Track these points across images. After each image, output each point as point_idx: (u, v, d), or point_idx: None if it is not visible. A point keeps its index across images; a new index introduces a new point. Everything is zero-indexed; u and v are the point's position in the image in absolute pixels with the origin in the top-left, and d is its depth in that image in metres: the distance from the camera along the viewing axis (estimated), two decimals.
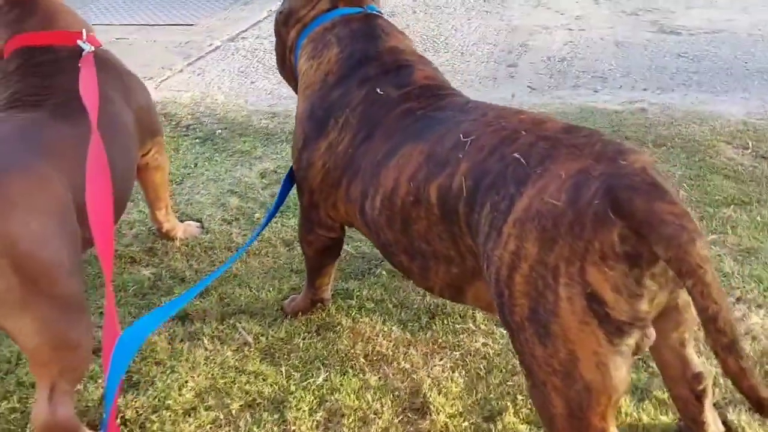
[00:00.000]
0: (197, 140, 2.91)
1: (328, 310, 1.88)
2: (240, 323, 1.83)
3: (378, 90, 1.55)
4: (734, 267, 1.97)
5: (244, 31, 4.39)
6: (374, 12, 1.79)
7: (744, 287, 1.89)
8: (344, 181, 1.55)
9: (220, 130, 2.99)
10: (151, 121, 2.04)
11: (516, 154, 1.20)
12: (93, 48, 1.84)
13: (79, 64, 1.75)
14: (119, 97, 1.87)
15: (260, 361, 1.72)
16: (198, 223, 2.33)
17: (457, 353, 1.73)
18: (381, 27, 1.73)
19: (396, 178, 1.40)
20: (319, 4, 1.80)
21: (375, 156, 1.48)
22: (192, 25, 4.65)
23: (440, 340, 1.77)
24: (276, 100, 3.34)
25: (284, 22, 1.85)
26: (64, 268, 1.39)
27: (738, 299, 1.85)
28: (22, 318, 1.35)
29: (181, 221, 2.30)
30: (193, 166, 2.71)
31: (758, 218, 2.19)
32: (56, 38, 1.83)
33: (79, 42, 1.83)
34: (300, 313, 1.87)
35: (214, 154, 2.80)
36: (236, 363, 1.71)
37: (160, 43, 4.28)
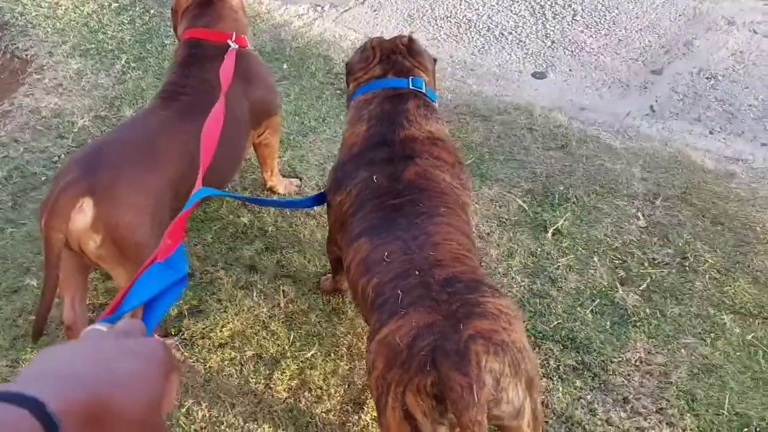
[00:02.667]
0: (338, 92, 3.32)
1: (344, 298, 2.37)
2: (283, 287, 2.41)
3: (375, 177, 1.84)
4: None
5: None
6: (415, 89, 2.02)
7: None
8: (342, 232, 1.95)
9: None
10: (266, 109, 2.52)
11: (399, 290, 1.53)
12: (237, 46, 2.35)
13: (225, 57, 2.28)
14: (240, 88, 2.36)
15: (281, 323, 2.29)
16: (297, 180, 2.85)
17: None
18: (409, 111, 1.96)
19: (353, 258, 1.77)
20: (372, 70, 2.08)
21: (353, 230, 1.84)
22: None
23: None
24: (438, 62, 3.56)
25: (348, 72, 2.16)
26: (149, 245, 2.02)
27: None
28: (116, 269, 2.03)
29: (285, 176, 2.85)
30: (322, 120, 3.17)
31: None
32: (214, 36, 2.36)
33: (229, 41, 2.35)
34: (325, 293, 2.39)
35: (343, 110, 3.21)
36: (265, 319, 2.30)
37: None
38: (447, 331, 1.39)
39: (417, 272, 1.54)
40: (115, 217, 1.92)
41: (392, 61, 2.08)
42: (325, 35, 3.73)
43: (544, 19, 3.70)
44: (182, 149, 2.11)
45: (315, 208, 2.49)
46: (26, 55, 3.86)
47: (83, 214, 1.89)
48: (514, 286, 2.36)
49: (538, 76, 3.31)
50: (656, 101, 3.13)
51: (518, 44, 3.55)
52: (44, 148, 3.16)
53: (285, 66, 3.53)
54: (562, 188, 2.70)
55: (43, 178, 2.99)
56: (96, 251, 1.95)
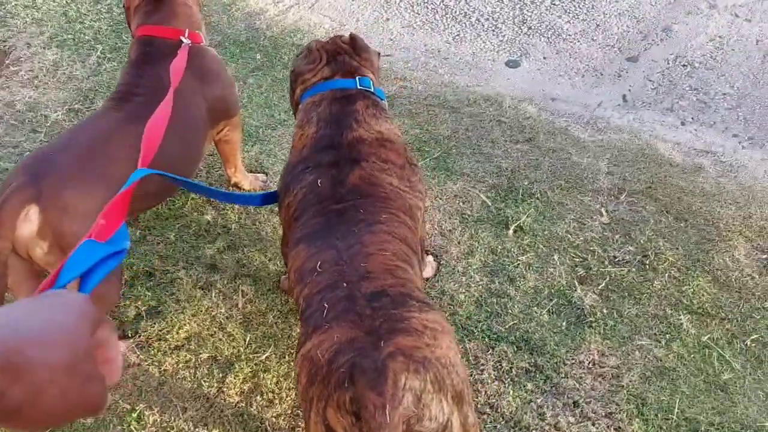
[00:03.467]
0: None
1: None
2: (242, 286, 2.39)
3: (319, 181, 1.79)
4: None
5: None
6: (363, 89, 1.96)
7: None
8: (288, 235, 1.90)
9: None
10: (225, 109, 2.46)
11: (325, 303, 1.49)
12: (191, 42, 2.29)
13: (177, 52, 2.22)
14: (196, 86, 2.31)
15: (238, 324, 2.27)
16: (263, 176, 2.81)
17: None
18: (357, 112, 1.90)
19: (291, 264, 1.73)
20: (320, 72, 2.02)
21: (295, 235, 1.79)
22: None
23: None
24: (408, 51, 3.47)
25: (294, 80, 2.10)
26: None
27: None
28: None
29: (251, 172, 2.80)
30: (292, 113, 3.11)
31: None
32: (166, 33, 2.30)
33: (182, 38, 2.29)
34: (284, 292, 2.36)
35: None
36: (222, 320, 2.28)
37: None
38: (367, 348, 1.35)
39: (345, 284, 1.50)
40: (61, 225, 1.89)
41: (339, 62, 2.02)
42: (299, 24, 3.64)
43: (522, 3, 3.59)
44: (132, 153, 2.06)
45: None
46: (4, 47, 3.81)
47: (29, 222, 1.86)
48: (472, 285, 2.32)
49: (512, 64, 3.22)
50: (629, 90, 3.04)
51: (494, 31, 3.44)
52: (17, 143, 3.13)
53: (258, 56, 3.46)
54: (526, 183, 2.64)
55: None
56: (44, 258, 1.92)
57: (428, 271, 2.36)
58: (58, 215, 1.88)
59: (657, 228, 2.45)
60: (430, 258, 2.41)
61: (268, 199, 2.05)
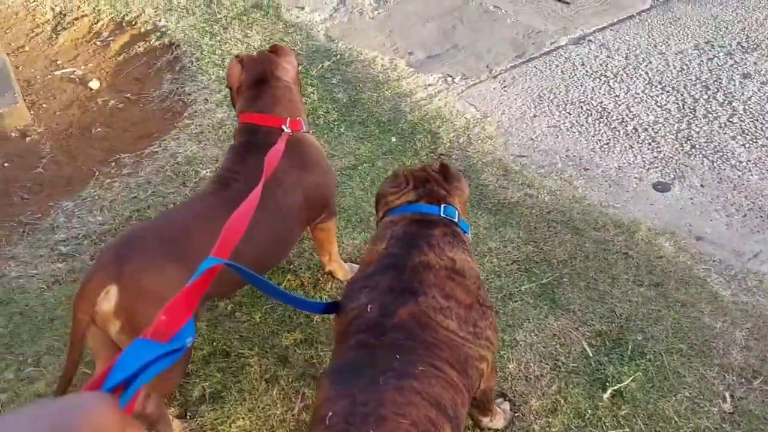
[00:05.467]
0: None
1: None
2: (304, 388, 2.24)
3: (369, 306, 1.58)
4: None
5: (600, 30, 3.96)
6: (446, 218, 1.74)
7: None
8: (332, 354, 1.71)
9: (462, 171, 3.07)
10: (322, 197, 2.36)
11: None
12: (291, 131, 2.24)
13: (276, 141, 2.19)
14: (294, 174, 2.24)
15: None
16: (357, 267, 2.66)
17: None
18: (432, 237, 1.68)
19: (316, 396, 1.53)
20: (404, 195, 1.84)
21: (332, 360, 1.61)
22: (568, 3, 4.34)
23: None
24: (546, 155, 3.15)
25: (378, 201, 1.93)
26: None
27: None
28: None
29: (349, 260, 2.67)
30: None
31: None
32: (268, 121, 2.27)
33: (283, 126, 2.25)
34: None
35: None
36: (275, 423, 2.15)
37: (521, 23, 4.18)
38: None
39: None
40: (135, 307, 1.90)
41: (426, 188, 1.84)
42: (442, 110, 3.48)
43: (691, 116, 3.08)
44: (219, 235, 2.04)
45: None
46: (188, 99, 4.14)
47: (108, 301, 1.90)
48: None
49: (660, 187, 2.75)
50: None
51: (650, 144, 2.99)
52: (166, 194, 3.34)
53: (393, 139, 3.36)
54: (640, 338, 2.19)
55: None
56: (116, 336, 1.95)
57: (499, 422, 2.03)
58: (133, 297, 1.89)
59: None
60: (506, 405, 2.07)
61: (330, 309, 1.90)
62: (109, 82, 4.74)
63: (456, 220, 1.79)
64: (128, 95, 4.53)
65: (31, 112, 4.42)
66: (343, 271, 2.61)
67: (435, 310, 1.56)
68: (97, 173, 3.69)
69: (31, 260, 3.05)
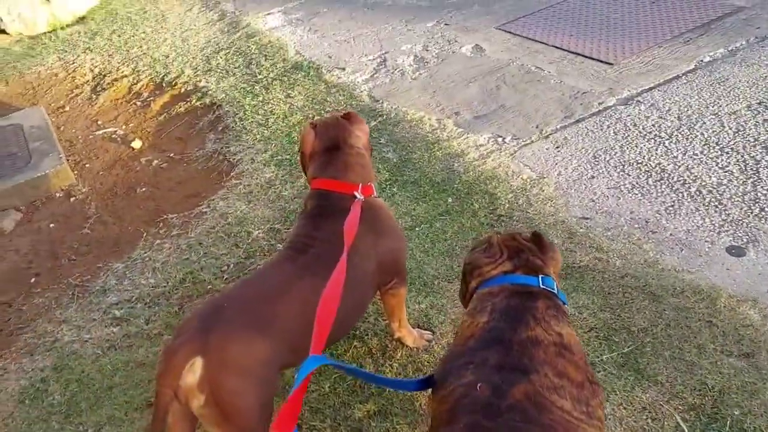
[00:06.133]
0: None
1: None
2: None
3: (479, 385, 1.51)
4: None
5: (647, 90, 3.98)
6: (545, 288, 1.70)
7: None
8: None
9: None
10: (395, 262, 2.32)
11: None
12: (363, 197, 2.22)
13: (350, 208, 2.16)
14: (369, 240, 2.21)
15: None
16: (429, 334, 2.59)
17: None
18: (536, 311, 1.64)
19: None
20: (501, 265, 1.80)
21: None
22: (610, 64, 4.39)
23: None
24: (610, 217, 3.11)
25: (469, 272, 1.88)
26: (253, 412, 1.90)
27: None
28: (215, 431, 1.94)
29: (417, 327, 2.61)
30: None
31: None
32: (341, 187, 2.25)
33: (356, 193, 2.23)
34: None
35: None
36: None
37: (565, 84, 4.22)
38: None
39: None
40: (220, 380, 1.84)
41: (522, 258, 1.80)
42: (497, 171, 3.48)
43: (756, 178, 3.06)
44: (302, 308, 1.99)
45: None
46: (234, 159, 4.17)
47: (193, 374, 1.84)
48: None
49: (734, 252, 2.69)
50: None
51: (716, 207, 2.95)
52: (219, 256, 3.31)
53: (450, 200, 3.34)
54: (737, 413, 2.09)
55: (208, 287, 3.11)
56: (199, 410, 1.88)
57: None
58: (219, 370, 1.84)
59: None
60: None
61: (424, 385, 1.83)
62: (151, 141, 4.79)
63: (555, 291, 1.75)
64: (171, 155, 4.57)
65: (75, 172, 4.46)
66: (413, 337, 2.55)
67: (549, 389, 1.50)
68: (145, 234, 3.67)
69: (83, 324, 3.00)
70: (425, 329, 2.62)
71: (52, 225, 3.91)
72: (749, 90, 3.74)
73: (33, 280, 3.43)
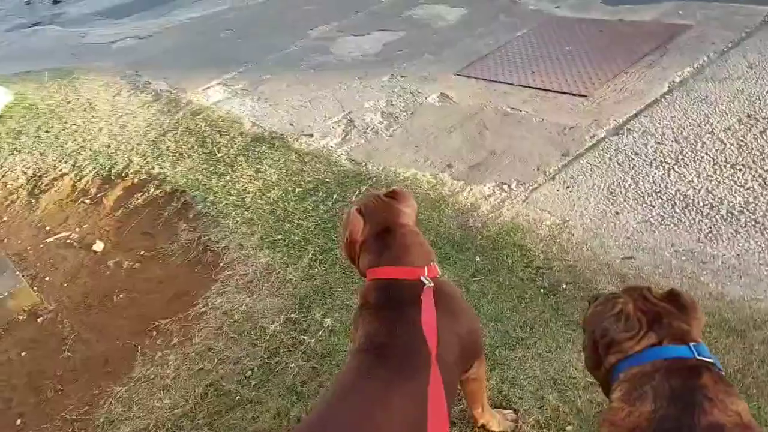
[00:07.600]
0: (541, 290, 2.85)
1: None
2: None
3: None
4: None
5: (633, 117, 4.01)
6: (702, 358, 1.53)
7: None
8: None
9: (565, 285, 2.88)
10: (473, 344, 2.10)
11: None
12: (432, 283, 1.98)
13: (422, 297, 1.92)
14: (448, 327, 1.97)
15: None
16: (513, 414, 2.36)
17: None
18: (705, 389, 1.46)
19: None
20: (644, 339, 1.62)
21: None
22: (584, 96, 4.42)
23: None
24: (653, 253, 2.96)
25: (604, 347, 1.69)
26: None
27: None
28: None
29: (496, 407, 2.37)
30: (530, 328, 2.69)
31: None
32: (405, 274, 2.01)
33: (422, 278, 1.99)
34: None
35: (552, 315, 2.73)
36: None
37: (549, 122, 4.19)
38: None
39: None
40: None
41: (665, 326, 1.62)
42: (517, 220, 3.34)
43: None
44: (405, 417, 1.73)
45: None
46: (218, 247, 3.83)
47: None
48: None
49: None
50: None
51: (754, 226, 2.92)
52: (237, 359, 2.95)
53: (477, 258, 3.15)
54: None
55: (237, 398, 2.75)
56: None
57: None
58: None
59: None
60: None
61: None
62: (114, 241, 4.38)
63: (713, 360, 1.58)
64: (141, 252, 4.18)
65: (34, 288, 3.97)
66: (496, 421, 2.31)
67: None
68: (138, 347, 3.26)
69: None
70: (505, 409, 2.39)
71: (23, 353, 3.42)
72: (733, 105, 3.83)
73: (18, 422, 2.94)
